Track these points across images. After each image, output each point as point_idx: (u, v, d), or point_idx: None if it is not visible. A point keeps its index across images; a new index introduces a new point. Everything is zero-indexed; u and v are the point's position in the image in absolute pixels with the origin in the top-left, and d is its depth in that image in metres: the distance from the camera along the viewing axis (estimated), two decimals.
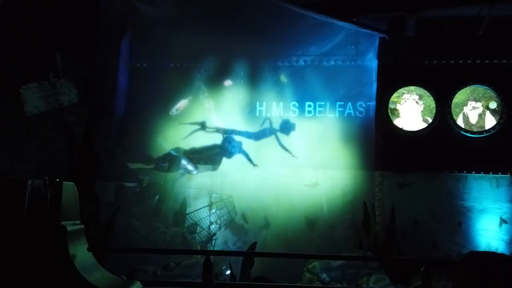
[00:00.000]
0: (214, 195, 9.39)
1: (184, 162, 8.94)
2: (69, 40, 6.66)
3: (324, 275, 7.62)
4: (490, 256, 2.14)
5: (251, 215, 9.34)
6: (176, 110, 8.91)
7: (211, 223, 9.23)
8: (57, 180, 3.46)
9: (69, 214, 3.61)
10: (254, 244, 7.80)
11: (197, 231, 8.83)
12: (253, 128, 9.39)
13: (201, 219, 8.90)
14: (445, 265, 6.16)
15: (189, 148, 9.14)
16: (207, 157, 9.28)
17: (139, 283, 3.91)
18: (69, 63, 6.58)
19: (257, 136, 9.39)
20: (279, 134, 9.38)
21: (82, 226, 3.78)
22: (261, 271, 8.08)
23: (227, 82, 9.17)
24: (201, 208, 9.00)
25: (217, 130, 9.30)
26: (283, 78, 9.41)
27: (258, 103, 9.56)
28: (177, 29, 8.94)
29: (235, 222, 9.35)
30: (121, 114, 8.91)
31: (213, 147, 9.28)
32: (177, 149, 8.82)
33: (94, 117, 7.31)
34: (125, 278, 4.11)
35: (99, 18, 7.95)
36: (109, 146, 8.17)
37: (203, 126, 9.19)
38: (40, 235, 3.39)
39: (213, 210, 9.22)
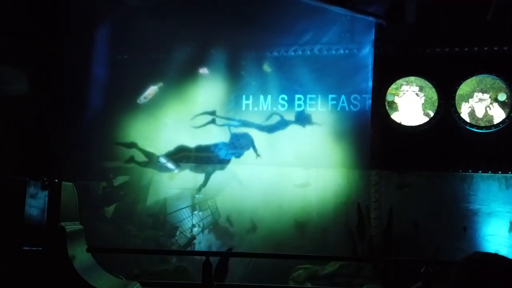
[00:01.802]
0: (197, 195, 8.69)
1: (162, 160, 8.25)
2: (18, 22, 5.95)
3: (309, 285, 6.85)
4: (494, 258, 2.01)
5: (236, 217, 8.58)
6: (145, 98, 8.20)
7: (194, 225, 8.54)
8: (56, 180, 3.40)
9: (68, 214, 3.59)
10: (230, 250, 7.05)
11: (177, 234, 8.14)
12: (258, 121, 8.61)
13: (181, 220, 8.20)
14: (446, 266, 5.49)
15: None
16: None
17: (138, 284, 3.88)
18: (18, 49, 5.88)
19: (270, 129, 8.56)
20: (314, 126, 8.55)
21: (81, 226, 3.74)
22: (246, 278, 7.44)
23: (205, 72, 8.43)
24: (181, 209, 8.30)
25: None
26: (270, 69, 8.63)
27: (244, 96, 8.82)
28: (159, 19, 8.24)
29: (219, 225, 8.61)
30: (98, 107, 8.22)
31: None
32: (153, 146, 8.13)
33: (52, 110, 6.63)
34: (124, 279, 4.05)
35: (61, 3, 7.29)
36: (81, 141, 7.51)
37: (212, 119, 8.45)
38: (39, 236, 3.33)
39: (196, 212, 8.52)
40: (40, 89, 6.51)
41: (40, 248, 3.31)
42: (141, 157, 8.29)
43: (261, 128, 8.68)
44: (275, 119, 8.68)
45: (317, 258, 7.39)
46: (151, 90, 8.27)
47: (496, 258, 2.00)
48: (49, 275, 3.33)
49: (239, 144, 8.68)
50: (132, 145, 8.21)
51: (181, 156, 8.49)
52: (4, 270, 3.19)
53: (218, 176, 8.60)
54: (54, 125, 7.00)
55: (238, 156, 8.64)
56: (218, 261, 6.89)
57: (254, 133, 8.71)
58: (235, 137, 8.70)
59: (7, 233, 3.22)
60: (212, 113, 8.66)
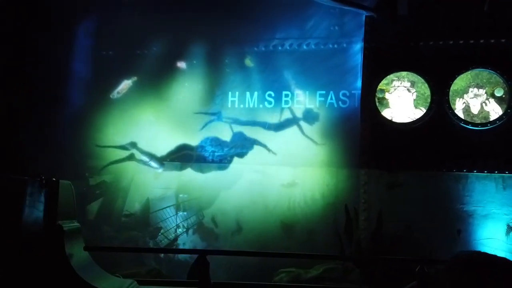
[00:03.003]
0: (181, 195, 8.40)
1: (144, 158, 7.97)
2: None
3: None
4: (483, 256, 2.03)
5: (221, 218, 8.26)
6: (118, 93, 7.94)
7: (177, 226, 8.25)
8: (54, 179, 3.41)
9: (66, 213, 3.58)
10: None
11: (159, 235, 7.85)
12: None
13: (164, 220, 7.91)
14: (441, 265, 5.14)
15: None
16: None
17: (135, 282, 3.89)
18: None
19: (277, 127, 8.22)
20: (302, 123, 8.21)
21: (79, 225, 3.77)
22: (229, 279, 7.11)
23: (188, 68, 8.13)
24: (163, 209, 8.01)
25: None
26: (257, 65, 8.30)
27: (230, 93, 8.51)
28: (140, 14, 7.99)
29: (204, 226, 8.29)
30: (75, 104, 7.97)
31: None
32: (133, 144, 7.86)
33: (26, 106, 6.40)
34: (121, 277, 4.09)
35: None
36: (59, 138, 7.27)
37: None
38: (37, 235, 3.35)
39: (179, 212, 8.23)
40: (12, 84, 6.28)
41: (38, 247, 3.33)
42: (120, 156, 8.03)
43: (247, 125, 8.36)
44: (261, 116, 8.35)
45: (318, 258, 7.07)
46: (125, 85, 8.00)
47: (484, 256, 2.03)
48: (47, 273, 3.34)
49: (224, 143, 8.36)
50: (111, 143, 7.95)
51: (164, 155, 8.21)
52: (2, 268, 3.19)
53: (202, 176, 8.29)
54: (28, 121, 6.78)
55: (223, 155, 8.33)
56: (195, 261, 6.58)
57: (240, 131, 8.38)
58: (220, 135, 8.38)
59: (5, 232, 3.21)
60: (196, 110, 8.37)
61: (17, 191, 3.26)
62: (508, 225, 7.17)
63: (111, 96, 7.94)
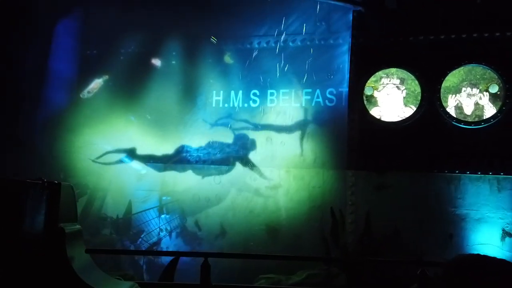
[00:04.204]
0: (164, 197, 8.15)
1: (126, 160, 7.75)
2: None
3: None
4: (477, 259, 1.97)
5: (204, 221, 7.98)
6: (89, 92, 7.72)
7: (161, 230, 8.00)
8: (55, 181, 3.38)
9: (67, 215, 3.55)
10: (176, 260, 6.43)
11: (139, 239, 7.61)
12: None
13: (144, 223, 7.67)
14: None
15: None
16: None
17: (136, 284, 3.86)
18: None
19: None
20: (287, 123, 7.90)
21: (80, 227, 3.73)
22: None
23: (169, 66, 7.88)
24: (144, 211, 7.77)
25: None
26: (242, 63, 8.00)
27: (214, 92, 8.24)
28: (128, 12, 7.80)
29: (187, 230, 8.02)
30: (53, 103, 7.78)
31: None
32: (112, 144, 7.63)
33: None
34: (122, 279, 4.05)
35: None
36: (33, 139, 7.09)
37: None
38: (39, 237, 3.33)
39: (161, 215, 7.98)
40: None
41: (39, 249, 3.30)
42: (98, 155, 7.81)
43: (231, 125, 8.08)
44: (246, 116, 8.06)
45: (314, 260, 6.80)
46: (96, 84, 7.78)
47: (481, 259, 1.98)
48: (48, 276, 3.32)
49: (208, 144, 8.10)
50: (89, 143, 7.75)
51: (146, 156, 7.98)
52: (4, 271, 3.17)
53: (185, 177, 8.03)
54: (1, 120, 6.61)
55: (207, 156, 8.06)
56: (168, 264, 6.33)
57: (224, 131, 8.11)
58: (204, 136, 8.12)
59: (7, 234, 3.20)
60: (179, 110, 8.12)
61: (19, 194, 3.25)
62: (503, 230, 6.74)
63: (81, 96, 7.71)
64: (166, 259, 7.52)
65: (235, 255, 7.17)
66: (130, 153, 7.91)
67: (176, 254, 7.38)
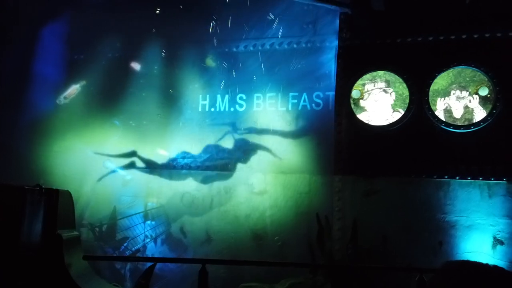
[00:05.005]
0: (149, 203, 8.01)
1: (109, 164, 7.63)
2: None
3: None
4: (465, 265, 2.21)
5: (190, 227, 7.83)
6: (65, 98, 7.62)
7: (146, 236, 7.86)
8: (53, 188, 3.42)
9: (65, 222, 3.58)
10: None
11: (123, 246, 7.48)
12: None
13: (127, 229, 7.54)
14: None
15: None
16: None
17: None
18: None
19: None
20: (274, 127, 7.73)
21: (78, 234, 3.79)
22: None
23: (153, 70, 7.77)
24: (129, 216, 7.65)
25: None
26: (227, 66, 7.88)
27: (201, 96, 8.12)
28: (114, 15, 7.73)
29: (172, 236, 7.87)
30: (37, 107, 7.68)
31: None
32: (96, 149, 7.53)
33: None
34: (119, 286, 4.16)
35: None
36: (17, 143, 7.00)
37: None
38: (37, 244, 3.34)
39: (146, 222, 7.84)
40: None
41: (37, 255, 3.32)
42: (79, 161, 7.71)
43: (218, 130, 7.94)
44: (232, 120, 7.92)
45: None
46: (73, 90, 7.69)
47: (476, 264, 2.10)
48: (46, 283, 3.33)
49: (194, 149, 7.96)
50: (71, 148, 7.65)
51: (130, 161, 7.87)
52: (2, 277, 3.16)
53: (170, 183, 7.90)
54: None
55: (192, 161, 7.92)
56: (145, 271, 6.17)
57: (210, 136, 7.97)
58: (190, 141, 7.99)
59: (5, 241, 3.21)
60: (166, 115, 8.01)
61: (18, 200, 3.25)
62: (494, 237, 6.49)
63: (57, 102, 7.63)
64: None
65: (234, 262, 7.01)
66: (113, 158, 7.79)
67: (174, 261, 7.29)
